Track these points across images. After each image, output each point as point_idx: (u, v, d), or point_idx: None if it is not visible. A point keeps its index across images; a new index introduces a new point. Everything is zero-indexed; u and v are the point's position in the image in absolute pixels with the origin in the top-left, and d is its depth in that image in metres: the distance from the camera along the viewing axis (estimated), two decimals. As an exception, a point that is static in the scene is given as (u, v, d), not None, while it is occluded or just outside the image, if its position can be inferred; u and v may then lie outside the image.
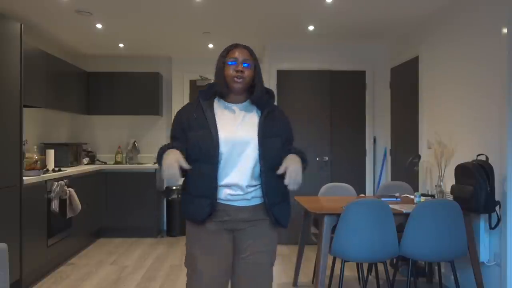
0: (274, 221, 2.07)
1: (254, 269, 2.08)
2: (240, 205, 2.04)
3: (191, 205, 2.03)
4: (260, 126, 2.04)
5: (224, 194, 2.02)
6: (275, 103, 2.21)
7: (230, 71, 2.03)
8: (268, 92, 2.16)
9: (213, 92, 2.11)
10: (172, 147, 1.99)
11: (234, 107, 2.10)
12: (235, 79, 2.02)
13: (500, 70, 3.28)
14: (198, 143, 1.99)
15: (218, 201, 2.02)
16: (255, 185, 2.05)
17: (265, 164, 2.00)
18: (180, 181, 2.05)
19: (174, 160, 1.87)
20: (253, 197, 2.05)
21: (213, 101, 2.11)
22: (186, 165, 1.89)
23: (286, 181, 1.92)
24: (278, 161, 1.98)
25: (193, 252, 2.07)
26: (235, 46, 2.09)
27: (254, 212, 2.06)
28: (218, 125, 2.02)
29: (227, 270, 2.09)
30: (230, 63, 2.03)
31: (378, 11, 4.35)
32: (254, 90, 2.08)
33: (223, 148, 1.99)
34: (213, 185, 1.99)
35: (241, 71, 2.02)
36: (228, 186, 2.02)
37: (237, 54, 2.04)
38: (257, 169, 2.02)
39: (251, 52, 2.10)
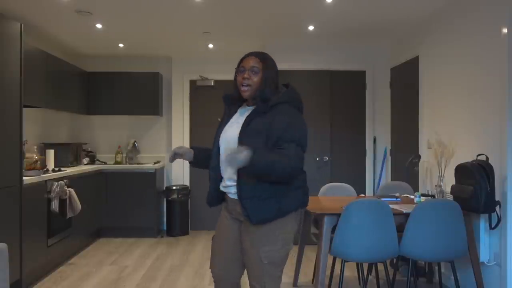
0: (246, 215, 2.08)
1: (248, 263, 2.18)
2: (234, 198, 2.15)
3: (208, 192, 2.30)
4: (243, 124, 2.11)
5: (224, 184, 2.22)
6: (286, 102, 2.15)
7: (239, 79, 2.15)
8: (279, 91, 2.16)
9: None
10: (195, 147, 2.36)
11: (246, 109, 2.21)
12: (242, 86, 2.14)
13: (500, 70, 3.28)
14: (213, 141, 2.29)
15: (222, 190, 2.23)
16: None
17: None
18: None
19: (176, 148, 2.28)
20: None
21: (238, 105, 2.28)
22: (171, 157, 2.26)
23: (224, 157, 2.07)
24: None
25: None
26: (248, 54, 2.18)
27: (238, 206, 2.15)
28: (225, 126, 2.23)
29: (229, 253, 2.23)
30: (240, 71, 2.16)
31: (378, 11, 4.35)
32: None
33: (221, 145, 2.21)
34: (216, 177, 2.22)
35: (247, 78, 2.11)
36: (226, 178, 2.19)
37: (246, 62, 2.14)
38: None
39: (262, 58, 2.14)
